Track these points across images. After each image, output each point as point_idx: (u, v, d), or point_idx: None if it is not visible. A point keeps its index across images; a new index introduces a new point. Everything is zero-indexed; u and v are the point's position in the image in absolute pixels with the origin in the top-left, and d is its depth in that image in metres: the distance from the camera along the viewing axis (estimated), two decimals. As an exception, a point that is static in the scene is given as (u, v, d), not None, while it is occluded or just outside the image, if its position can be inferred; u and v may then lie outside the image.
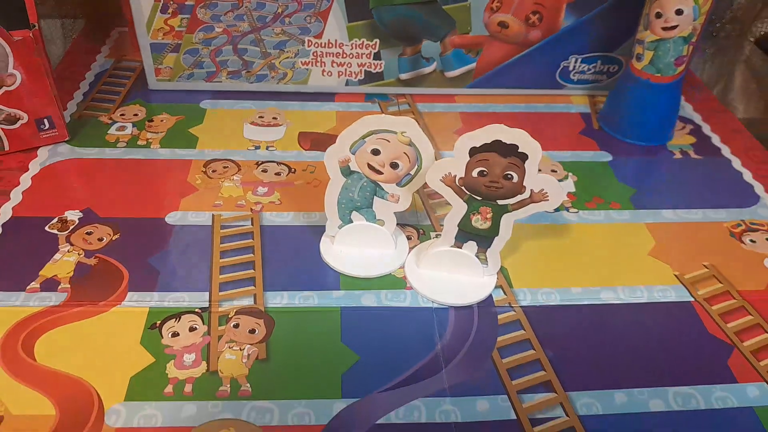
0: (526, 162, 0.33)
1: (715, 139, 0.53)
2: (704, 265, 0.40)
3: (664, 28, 0.46)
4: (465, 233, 0.36)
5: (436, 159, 0.34)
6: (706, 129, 0.54)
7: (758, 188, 0.47)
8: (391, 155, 0.35)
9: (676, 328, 0.36)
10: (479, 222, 0.36)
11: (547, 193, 0.33)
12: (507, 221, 0.35)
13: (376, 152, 0.35)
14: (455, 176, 0.34)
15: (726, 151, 0.51)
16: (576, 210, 0.44)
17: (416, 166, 0.36)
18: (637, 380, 0.33)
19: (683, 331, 0.36)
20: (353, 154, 0.35)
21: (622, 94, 0.51)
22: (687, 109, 0.56)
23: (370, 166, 0.36)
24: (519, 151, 0.32)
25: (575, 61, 0.54)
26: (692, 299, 0.38)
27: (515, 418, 0.31)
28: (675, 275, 0.39)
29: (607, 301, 0.38)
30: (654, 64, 0.47)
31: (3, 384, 0.31)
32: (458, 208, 0.35)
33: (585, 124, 0.53)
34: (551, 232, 0.42)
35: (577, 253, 0.41)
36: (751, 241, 0.42)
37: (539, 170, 0.33)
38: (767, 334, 0.36)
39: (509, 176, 0.33)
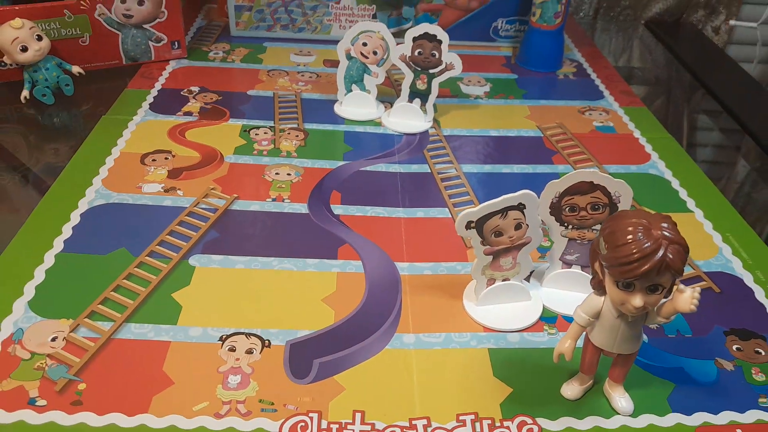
0: (442, 45, 0.62)
1: (590, 71, 0.82)
2: (556, 123, 0.69)
3: (545, -5, 0.76)
4: (413, 93, 0.66)
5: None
6: (586, 65, 0.83)
7: (606, 93, 0.76)
8: (373, 46, 0.65)
9: (529, 146, 0.65)
10: (421, 85, 0.65)
11: (453, 64, 0.63)
12: (435, 84, 0.65)
13: (364, 44, 0.65)
14: (406, 55, 0.64)
15: (594, 77, 0.80)
16: (487, 99, 0.74)
17: (386, 54, 0.65)
18: (501, 162, 0.62)
19: (532, 148, 0.65)
20: (352, 45, 0.65)
21: (526, 39, 0.81)
22: (577, 55, 0.86)
23: (361, 54, 0.66)
24: (438, 38, 0.62)
25: (502, 22, 0.84)
26: (543, 135, 0.67)
27: (430, 172, 0.60)
28: (537, 127, 0.68)
29: (494, 136, 0.67)
30: (542, 17, 0.77)
31: (172, 146, 0.61)
32: (408, 75, 0.65)
33: (506, 61, 0.83)
34: (469, 107, 0.72)
35: (482, 117, 0.70)
36: (589, 114, 0.71)
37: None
38: (579, 149, 0.65)
39: (434, 54, 0.63)
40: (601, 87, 0.78)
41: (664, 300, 0.33)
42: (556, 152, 0.64)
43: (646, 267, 0.30)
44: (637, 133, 0.68)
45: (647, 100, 0.79)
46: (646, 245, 0.30)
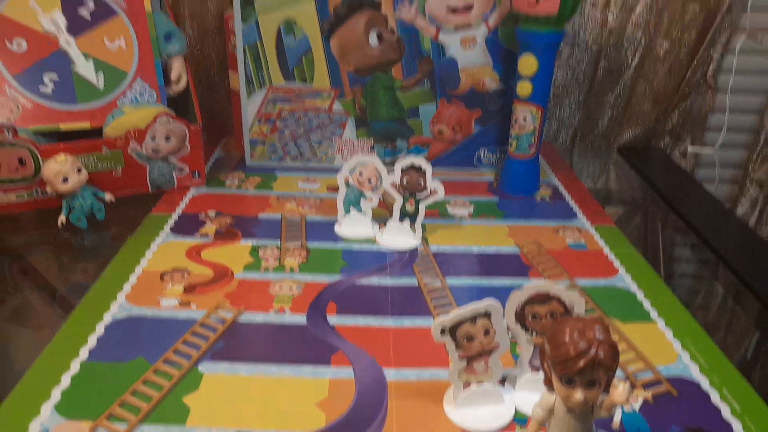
0: (426, 174, 0.71)
1: (565, 194, 0.91)
2: (532, 240, 0.77)
3: (519, 127, 0.86)
4: (403, 214, 0.74)
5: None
6: (561, 189, 0.92)
7: (579, 214, 0.84)
8: (368, 175, 0.74)
9: (507, 261, 0.72)
10: (409, 207, 0.74)
11: (437, 189, 0.72)
12: (421, 207, 0.73)
13: (361, 174, 0.75)
14: (396, 183, 0.73)
15: (569, 199, 0.89)
16: (471, 219, 0.82)
17: (380, 181, 0.75)
18: (482, 275, 0.69)
19: (510, 264, 0.72)
20: (350, 175, 0.75)
21: (505, 167, 0.90)
22: (554, 179, 0.95)
23: (358, 181, 0.75)
24: (422, 169, 0.71)
25: (484, 151, 0.95)
26: (519, 252, 0.74)
27: (418, 285, 0.67)
28: (515, 244, 0.76)
29: (476, 252, 0.74)
30: (518, 148, 0.87)
31: (189, 264, 0.68)
32: (399, 199, 0.74)
33: (489, 185, 0.93)
34: (455, 227, 0.80)
35: (466, 235, 0.78)
36: (563, 233, 0.79)
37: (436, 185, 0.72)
38: (552, 264, 0.71)
39: (420, 182, 0.72)
40: (575, 208, 0.86)
41: (604, 396, 0.39)
42: (531, 267, 0.71)
43: (581, 363, 0.36)
44: (606, 250, 0.75)
45: (623, 220, 0.87)
46: (581, 344, 0.36)
